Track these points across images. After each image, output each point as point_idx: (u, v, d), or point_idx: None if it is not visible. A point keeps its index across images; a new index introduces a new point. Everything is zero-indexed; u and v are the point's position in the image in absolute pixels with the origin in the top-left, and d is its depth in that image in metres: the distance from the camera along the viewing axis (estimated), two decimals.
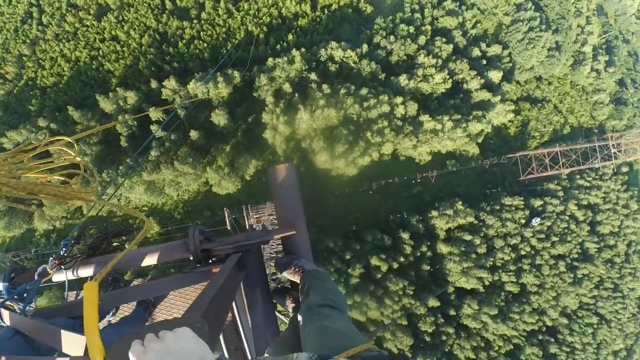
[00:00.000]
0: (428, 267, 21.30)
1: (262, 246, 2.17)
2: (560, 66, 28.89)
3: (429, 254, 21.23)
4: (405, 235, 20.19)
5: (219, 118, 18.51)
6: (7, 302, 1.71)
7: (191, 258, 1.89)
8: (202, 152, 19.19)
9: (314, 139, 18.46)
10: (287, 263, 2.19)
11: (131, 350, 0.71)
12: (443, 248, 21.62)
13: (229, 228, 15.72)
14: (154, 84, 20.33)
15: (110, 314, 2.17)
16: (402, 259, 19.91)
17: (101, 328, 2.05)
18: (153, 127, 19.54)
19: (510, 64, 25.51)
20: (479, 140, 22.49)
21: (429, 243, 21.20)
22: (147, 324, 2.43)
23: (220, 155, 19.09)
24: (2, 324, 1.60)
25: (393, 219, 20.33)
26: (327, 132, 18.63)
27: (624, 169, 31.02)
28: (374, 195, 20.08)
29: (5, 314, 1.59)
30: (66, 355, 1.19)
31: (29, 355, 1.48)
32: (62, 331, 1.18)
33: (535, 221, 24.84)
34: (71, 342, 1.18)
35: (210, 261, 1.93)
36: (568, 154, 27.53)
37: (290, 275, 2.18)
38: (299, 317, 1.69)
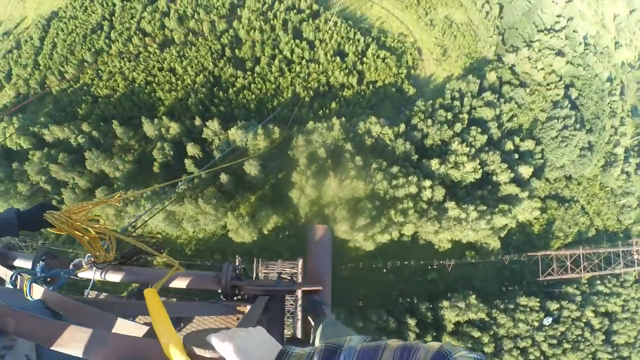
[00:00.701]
0: None
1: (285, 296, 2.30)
2: (591, 167, 28.83)
3: None
4: (411, 322, 19.28)
5: (251, 168, 19.04)
6: (38, 281, 1.70)
7: (219, 291, 1.97)
8: (227, 196, 19.55)
9: (338, 208, 18.56)
10: (318, 302, 2.42)
11: (215, 337, 0.77)
12: (448, 341, 20.44)
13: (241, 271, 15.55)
14: (197, 122, 21.41)
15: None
16: None
17: None
18: (187, 161, 20.25)
19: (542, 161, 25.63)
20: (502, 235, 22.03)
21: (434, 334, 20.11)
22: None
23: (244, 203, 19.38)
24: (30, 298, 1.58)
25: (402, 302, 19.59)
26: (351, 203, 18.74)
27: None
28: (387, 275, 19.57)
29: (37, 289, 1.57)
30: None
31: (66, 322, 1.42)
32: (119, 318, 1.15)
33: (547, 321, 23.52)
34: (128, 328, 1.13)
35: (235, 298, 2.01)
36: (590, 257, 26.52)
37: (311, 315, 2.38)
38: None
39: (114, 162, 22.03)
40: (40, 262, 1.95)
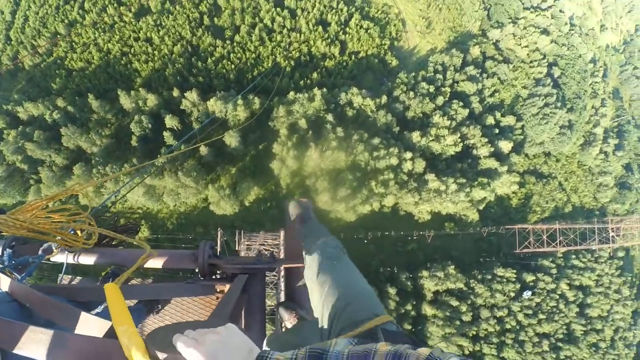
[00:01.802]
0: (410, 327, 20.66)
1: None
2: (570, 145, 29.54)
3: (412, 313, 20.68)
4: (392, 290, 19.77)
5: (232, 139, 18.73)
6: (6, 270, 1.68)
7: (197, 270, 1.91)
8: (207, 168, 19.25)
9: (319, 178, 18.55)
10: (289, 308, 2.38)
11: (181, 342, 0.70)
12: (428, 310, 21.11)
13: (218, 249, 15.54)
14: (175, 93, 20.78)
15: (101, 307, 2.13)
16: None
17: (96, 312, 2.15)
18: (166, 134, 19.75)
19: (522, 137, 26.08)
20: (481, 207, 22.54)
21: (414, 302, 20.72)
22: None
23: (224, 175, 19.14)
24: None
25: (383, 272, 20.01)
26: (333, 174, 18.75)
27: (620, 254, 30.90)
28: (368, 245, 19.87)
29: (4, 279, 1.54)
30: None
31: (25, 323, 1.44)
32: (83, 312, 1.13)
33: (527, 294, 24.48)
34: (89, 324, 1.11)
35: (214, 277, 1.95)
36: (566, 232, 27.52)
37: (287, 320, 2.35)
38: (311, 264, 1.61)
39: (91, 137, 21.31)
40: (8, 249, 1.82)
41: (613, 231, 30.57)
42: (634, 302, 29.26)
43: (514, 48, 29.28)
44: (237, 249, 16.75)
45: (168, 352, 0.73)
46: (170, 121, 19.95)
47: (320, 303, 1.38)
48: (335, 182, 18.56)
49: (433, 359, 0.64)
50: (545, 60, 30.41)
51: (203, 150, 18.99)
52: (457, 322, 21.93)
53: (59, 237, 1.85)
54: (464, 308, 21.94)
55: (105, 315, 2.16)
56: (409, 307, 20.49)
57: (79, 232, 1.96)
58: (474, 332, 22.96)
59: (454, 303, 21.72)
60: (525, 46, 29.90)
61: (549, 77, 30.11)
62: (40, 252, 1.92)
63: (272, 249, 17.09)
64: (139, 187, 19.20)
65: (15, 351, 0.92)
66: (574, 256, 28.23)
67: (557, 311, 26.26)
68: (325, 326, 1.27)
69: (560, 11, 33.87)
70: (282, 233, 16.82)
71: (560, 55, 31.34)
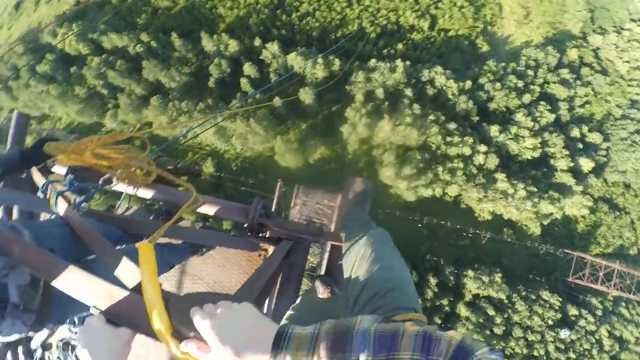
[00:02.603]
0: (439, 322, 20.02)
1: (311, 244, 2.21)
2: None
3: (446, 308, 19.98)
4: (433, 280, 19.14)
5: (306, 96, 18.61)
6: (67, 193, 1.70)
7: (245, 225, 1.93)
8: (279, 120, 19.40)
9: (387, 152, 18.01)
10: (326, 282, 2.43)
11: (198, 315, 0.71)
12: (463, 310, 20.28)
13: (275, 199, 15.78)
14: (257, 42, 20.93)
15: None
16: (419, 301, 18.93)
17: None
18: (243, 80, 20.08)
19: (605, 159, 23.56)
20: (545, 222, 20.89)
21: (451, 299, 19.96)
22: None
23: (294, 129, 19.19)
24: (56, 211, 1.60)
25: (429, 260, 19.36)
26: (401, 150, 18.12)
27: None
28: (421, 229, 19.22)
29: (62, 204, 1.57)
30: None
31: (72, 249, 1.46)
32: (124, 257, 1.13)
33: (565, 333, 22.78)
34: (127, 269, 1.10)
35: (260, 235, 1.97)
36: (624, 276, 24.99)
37: (321, 293, 2.40)
38: (358, 240, 1.59)
39: (170, 73, 22.23)
40: (70, 175, 1.83)
41: None
42: None
43: (614, 60, 26.17)
44: (293, 202, 16.92)
45: (191, 327, 0.71)
46: (248, 68, 20.22)
47: (364, 277, 1.32)
48: (402, 159, 17.94)
49: (465, 349, 0.57)
50: None
51: (277, 101, 19.10)
52: (487, 332, 20.93)
53: (119, 172, 1.85)
54: (498, 320, 20.85)
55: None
56: (444, 301, 19.80)
57: (138, 170, 1.94)
58: (501, 347, 21.82)
59: (491, 312, 20.67)
60: (627, 61, 26.63)
61: None
62: (100, 181, 1.93)
63: (320, 221, 16.98)
64: (209, 124, 19.81)
65: (53, 284, 0.96)
66: (624, 304, 25.71)
67: (589, 355, 24.29)
68: (359, 302, 1.21)
69: None
70: (339, 198, 16.67)
71: None
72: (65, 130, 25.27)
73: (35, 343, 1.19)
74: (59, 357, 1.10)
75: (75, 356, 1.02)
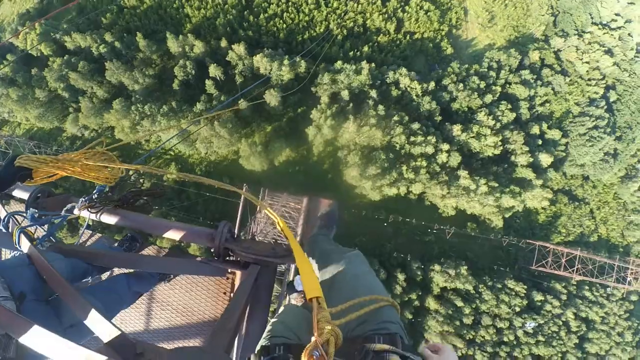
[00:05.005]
0: (410, 316, 20.73)
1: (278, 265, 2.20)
2: (611, 174, 27.92)
3: (416, 303, 20.69)
4: (401, 276, 19.75)
5: (272, 98, 18.64)
6: (29, 228, 1.68)
7: (212, 250, 1.94)
8: (243, 122, 19.33)
9: (352, 152, 18.34)
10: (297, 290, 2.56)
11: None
12: (432, 303, 21.05)
13: (240, 203, 15.77)
14: (223, 43, 20.70)
15: (98, 276, 2.17)
16: None
17: (112, 276, 2.23)
18: (208, 83, 19.85)
19: (564, 154, 24.82)
20: (507, 215, 21.86)
21: (420, 293, 20.67)
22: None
23: (259, 132, 19.19)
24: (19, 249, 1.57)
25: (396, 257, 19.94)
26: (366, 151, 18.49)
27: (633, 298, 29.56)
28: (387, 227, 19.75)
29: (24, 241, 1.55)
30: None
31: (42, 288, 1.46)
32: (93, 310, 1.14)
33: (529, 325, 24.02)
34: (94, 323, 1.13)
35: (227, 258, 1.96)
36: (586, 261, 26.49)
37: (295, 299, 2.57)
38: (325, 262, 1.70)
39: (134, 74, 21.68)
40: (31, 209, 1.77)
41: (632, 274, 29.18)
42: (634, 350, 28.23)
43: (575, 62, 27.44)
44: (257, 207, 16.93)
45: None
46: (214, 70, 19.99)
47: (348, 291, 1.42)
48: (367, 159, 18.32)
49: None
50: (604, 82, 28.42)
51: (242, 103, 19.02)
52: (457, 322, 21.83)
53: (81, 200, 1.86)
54: (467, 310, 21.76)
55: (113, 285, 2.06)
56: (413, 296, 20.48)
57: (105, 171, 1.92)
58: (471, 336, 22.83)
59: (459, 303, 21.55)
60: (586, 62, 27.97)
61: (604, 99, 28.21)
62: (63, 212, 1.89)
63: (287, 223, 17.11)
64: (173, 129, 19.54)
65: (21, 341, 0.98)
66: (587, 287, 27.26)
67: (557, 337, 25.71)
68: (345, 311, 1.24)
69: (629, 35, 31.24)
70: (305, 201, 16.80)
71: (620, 80, 29.18)
72: (25, 137, 24.21)
73: None
74: None
75: None
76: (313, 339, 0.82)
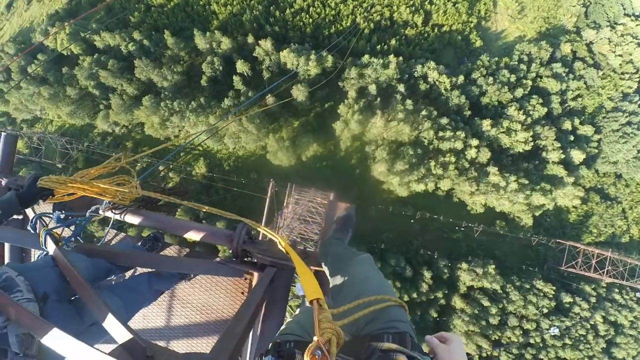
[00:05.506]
0: (435, 315, 20.43)
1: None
2: None
3: (442, 301, 20.36)
4: (427, 274, 19.47)
5: (299, 93, 18.68)
6: (55, 230, 1.74)
7: (230, 251, 1.97)
8: (271, 118, 19.46)
9: (379, 147, 18.19)
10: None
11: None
12: (458, 302, 20.68)
13: (267, 198, 15.89)
14: (250, 39, 20.88)
15: (116, 275, 2.20)
16: (414, 295, 19.23)
17: (132, 276, 2.28)
18: (236, 78, 20.08)
19: (597, 150, 23.85)
20: (537, 213, 21.22)
21: (446, 291, 20.33)
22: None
23: (286, 127, 19.27)
24: (45, 249, 1.63)
25: (422, 254, 19.66)
26: (393, 146, 18.30)
27: None
28: (414, 224, 19.49)
29: (51, 244, 1.60)
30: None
31: (66, 289, 1.51)
32: (109, 314, 1.18)
33: (553, 330, 23.30)
34: (111, 325, 1.17)
35: (245, 259, 2.00)
36: (617, 263, 25.42)
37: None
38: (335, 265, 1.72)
39: (163, 72, 22.15)
40: (57, 211, 1.81)
41: None
42: None
43: (607, 54, 26.30)
44: (286, 202, 17.00)
45: None
46: (241, 66, 20.21)
47: (356, 291, 1.43)
48: (394, 155, 18.13)
49: None
50: (637, 76, 27.11)
51: (269, 99, 19.16)
52: (483, 323, 21.37)
53: (105, 201, 1.89)
54: (493, 310, 21.26)
55: (132, 284, 2.05)
56: (439, 294, 20.17)
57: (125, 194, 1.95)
58: (497, 337, 22.31)
59: (485, 303, 21.08)
60: (619, 55, 26.76)
61: (638, 94, 26.94)
62: (87, 213, 1.93)
63: (313, 219, 17.07)
64: (204, 125, 19.87)
65: (43, 342, 1.03)
66: (617, 290, 26.16)
67: (585, 341, 24.79)
68: (353, 310, 1.24)
69: None
70: (331, 196, 16.73)
71: None
72: (57, 133, 25.15)
73: None
74: None
75: None
76: (315, 338, 0.85)
